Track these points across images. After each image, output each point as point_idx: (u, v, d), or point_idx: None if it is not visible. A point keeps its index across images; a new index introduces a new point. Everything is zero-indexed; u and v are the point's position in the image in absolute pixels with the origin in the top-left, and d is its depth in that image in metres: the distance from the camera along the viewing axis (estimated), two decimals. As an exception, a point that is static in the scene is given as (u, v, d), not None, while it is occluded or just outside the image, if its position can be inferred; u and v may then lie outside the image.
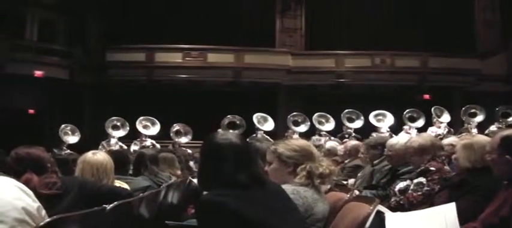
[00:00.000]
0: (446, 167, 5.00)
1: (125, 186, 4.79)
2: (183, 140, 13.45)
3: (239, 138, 2.89)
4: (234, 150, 2.75)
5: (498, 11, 20.66)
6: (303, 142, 3.76)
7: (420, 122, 13.32)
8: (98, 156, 4.62)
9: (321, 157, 3.74)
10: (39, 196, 3.07)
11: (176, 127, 13.58)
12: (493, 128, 11.39)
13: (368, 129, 13.13)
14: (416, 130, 12.61)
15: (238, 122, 13.72)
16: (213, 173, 2.74)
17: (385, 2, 19.76)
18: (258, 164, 2.91)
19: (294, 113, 14.07)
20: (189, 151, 12.12)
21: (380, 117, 13.44)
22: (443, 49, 19.38)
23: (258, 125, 13.35)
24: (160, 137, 14.00)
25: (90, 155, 4.62)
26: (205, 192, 2.78)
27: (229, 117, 13.79)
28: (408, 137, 7.68)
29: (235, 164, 2.71)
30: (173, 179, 5.81)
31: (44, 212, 2.88)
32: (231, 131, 12.15)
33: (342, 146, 8.47)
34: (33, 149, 3.80)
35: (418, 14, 19.69)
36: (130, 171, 5.86)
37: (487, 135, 8.35)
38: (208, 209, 2.58)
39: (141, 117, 13.74)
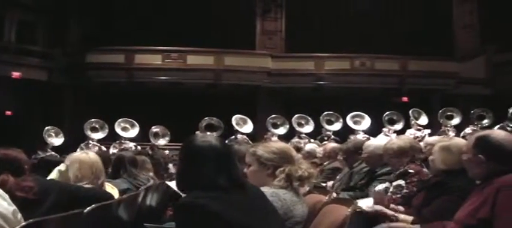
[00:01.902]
0: (425, 170, 5.03)
1: (114, 188, 4.78)
2: (162, 142, 13.40)
3: (219, 141, 2.88)
4: (213, 153, 2.74)
5: (476, 15, 20.86)
6: (282, 144, 3.78)
7: (399, 125, 13.40)
8: (92, 155, 4.65)
9: (300, 160, 3.76)
10: (15, 198, 3.04)
11: (155, 129, 13.54)
12: (468, 130, 11.54)
13: (347, 131, 13.19)
14: (395, 133, 12.65)
15: (216, 124, 13.70)
16: (193, 175, 2.73)
17: (365, 6, 19.82)
18: (237, 166, 2.89)
19: (273, 116, 14.09)
20: (167, 152, 12.09)
21: (357, 119, 13.51)
22: (423, 52, 19.54)
23: (237, 127, 13.35)
24: (140, 139, 13.95)
25: (83, 155, 4.62)
26: (184, 195, 2.77)
27: (207, 119, 13.77)
28: (387, 139, 7.73)
29: (215, 166, 2.69)
30: (152, 181, 5.79)
31: (19, 215, 2.85)
32: (208, 133, 12.18)
33: (321, 149, 8.50)
34: (10, 150, 3.77)
35: (398, 17, 19.79)
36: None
37: (463, 137, 8.49)
38: (188, 211, 2.56)
39: (120, 120, 13.67)
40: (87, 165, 4.47)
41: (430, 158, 4.41)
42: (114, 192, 4.68)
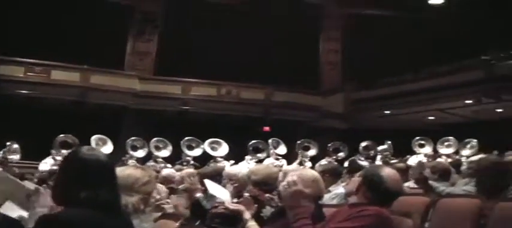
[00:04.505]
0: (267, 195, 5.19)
1: None
2: (15, 157, 12.75)
3: (106, 157, 2.77)
4: (99, 168, 2.64)
5: (340, 53, 21.97)
6: (133, 170, 3.79)
7: (264, 154, 13.67)
8: None
9: (154, 185, 3.80)
10: None
11: (9, 145, 12.87)
12: (323, 161, 11.97)
13: (208, 157, 13.30)
14: (257, 161, 12.85)
15: (71, 142, 13.22)
16: (72, 189, 2.56)
17: (236, 36, 20.15)
18: (119, 187, 2.80)
19: (133, 138, 13.89)
20: (17, 170, 11.57)
21: (214, 146, 13.65)
22: (288, 84, 20.22)
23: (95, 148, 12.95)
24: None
25: None
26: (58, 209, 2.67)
27: (61, 137, 13.22)
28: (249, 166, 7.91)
29: (98, 182, 2.59)
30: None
31: None
32: (64, 150, 11.89)
33: (178, 174, 8.51)
34: None
35: (267, 49, 20.27)
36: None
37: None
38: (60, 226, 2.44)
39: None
40: None
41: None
42: None
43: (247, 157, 13.26)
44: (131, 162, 11.74)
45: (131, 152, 13.39)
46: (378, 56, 20.20)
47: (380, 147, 13.34)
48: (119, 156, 13.50)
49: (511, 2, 20.39)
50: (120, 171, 3.51)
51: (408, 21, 21.09)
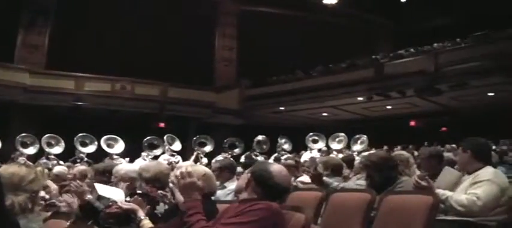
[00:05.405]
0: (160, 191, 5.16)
1: None
2: None
3: None
4: None
5: (235, 50, 22.17)
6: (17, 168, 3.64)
7: (159, 150, 13.58)
8: None
9: (41, 183, 3.66)
10: None
11: None
12: (219, 158, 12.08)
13: (103, 154, 13.05)
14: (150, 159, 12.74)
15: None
16: None
17: (130, 30, 19.86)
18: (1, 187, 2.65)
19: (23, 134, 13.41)
20: None
21: (111, 142, 13.43)
22: (183, 81, 20.14)
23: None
24: None
25: None
26: None
27: None
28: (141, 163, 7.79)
29: None
30: None
31: None
32: None
33: (70, 171, 8.30)
34: None
35: (162, 44, 20.14)
36: None
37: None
38: None
39: None
40: None
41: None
42: None
43: (144, 154, 13.17)
44: (21, 159, 11.30)
45: (21, 149, 12.93)
46: (272, 53, 20.52)
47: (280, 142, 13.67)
48: (8, 153, 13.00)
49: (400, 5, 21.37)
50: (3, 169, 3.37)
51: (303, 19, 21.57)
